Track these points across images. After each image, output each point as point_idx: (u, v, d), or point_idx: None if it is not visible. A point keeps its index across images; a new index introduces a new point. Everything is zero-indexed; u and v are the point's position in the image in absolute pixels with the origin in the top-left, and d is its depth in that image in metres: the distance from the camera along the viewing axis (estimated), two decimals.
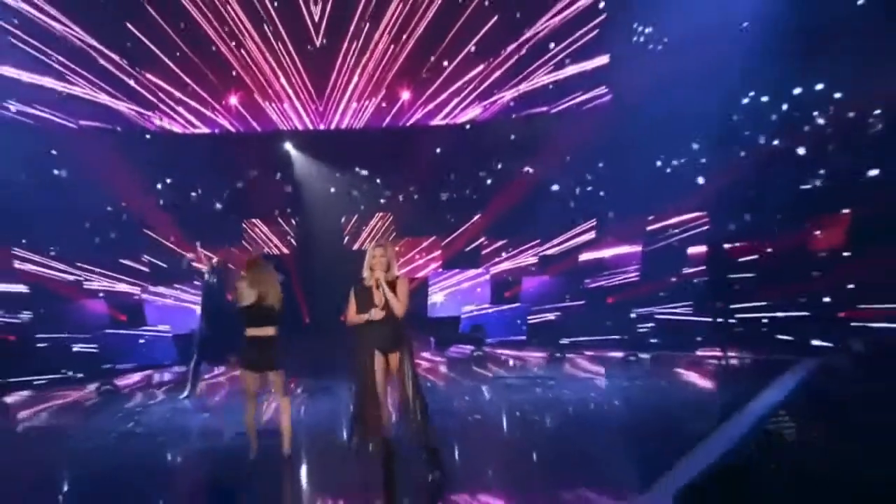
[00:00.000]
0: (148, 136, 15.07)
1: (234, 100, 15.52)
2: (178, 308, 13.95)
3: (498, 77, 15.49)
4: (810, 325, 10.75)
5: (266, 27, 15.21)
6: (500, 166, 15.67)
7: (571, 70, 14.91)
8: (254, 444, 6.16)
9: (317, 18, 15.29)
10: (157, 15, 14.49)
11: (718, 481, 4.70)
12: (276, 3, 15.09)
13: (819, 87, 11.95)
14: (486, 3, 14.90)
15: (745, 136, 12.88)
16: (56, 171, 13.93)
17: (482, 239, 15.79)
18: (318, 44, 15.42)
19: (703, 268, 10.50)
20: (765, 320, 11.01)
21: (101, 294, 14.03)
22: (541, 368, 11.07)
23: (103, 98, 14.53)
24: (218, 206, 15.53)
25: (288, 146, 15.90)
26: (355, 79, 15.67)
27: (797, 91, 12.21)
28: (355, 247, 15.63)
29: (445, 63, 15.42)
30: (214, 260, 10.13)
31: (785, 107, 12.48)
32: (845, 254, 11.26)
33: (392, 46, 15.49)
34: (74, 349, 12.26)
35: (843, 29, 11.21)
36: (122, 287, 14.25)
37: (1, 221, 12.34)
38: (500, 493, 5.45)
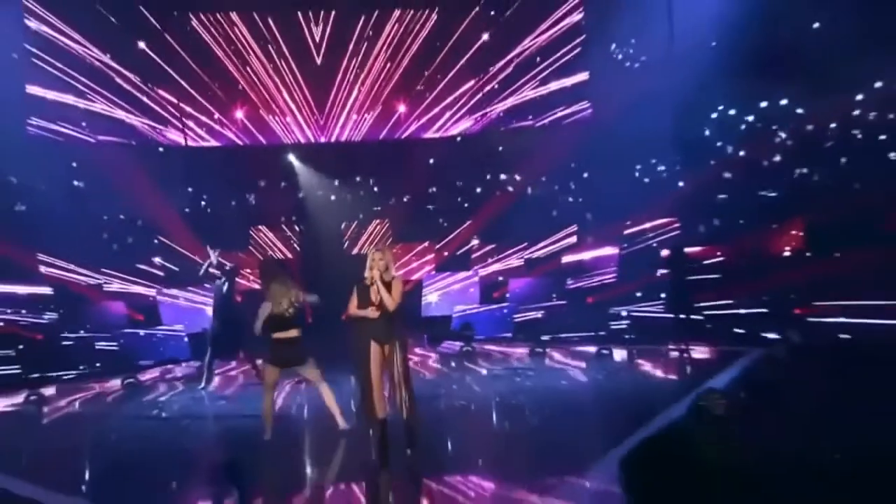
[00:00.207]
0: (161, 149, 15.23)
1: (240, 114, 15.66)
2: (191, 308, 14.19)
3: (487, 92, 15.79)
4: (769, 320, 11.11)
5: (270, 47, 15.54)
6: (488, 176, 15.89)
7: (554, 86, 15.28)
8: (269, 427, 6.86)
9: (318, 39, 15.61)
10: (168, 35, 14.94)
11: (656, 446, 5.54)
12: (279, 24, 15.47)
13: (783, 102, 12.37)
14: (478, 22, 15.38)
15: (713, 148, 13.24)
16: (76, 183, 14.20)
17: (473, 243, 15.97)
18: (318, 62, 15.69)
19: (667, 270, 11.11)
20: (726, 316, 11.48)
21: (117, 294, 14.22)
22: (522, 361, 11.59)
23: (119, 114, 14.82)
24: (226, 213, 15.64)
25: (291, 157, 15.95)
26: (354, 94, 15.91)
27: (763, 105, 12.65)
28: (354, 251, 15.73)
29: (438, 78, 15.71)
30: (227, 266, 10.60)
31: (751, 119, 12.91)
32: (802, 255, 11.88)
33: (388, 64, 15.79)
34: (97, 347, 12.54)
35: (801, 51, 11.68)
36: (138, 289, 14.44)
37: (27, 229, 12.76)
38: (478, 464, 6.16)
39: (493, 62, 15.62)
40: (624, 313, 13.22)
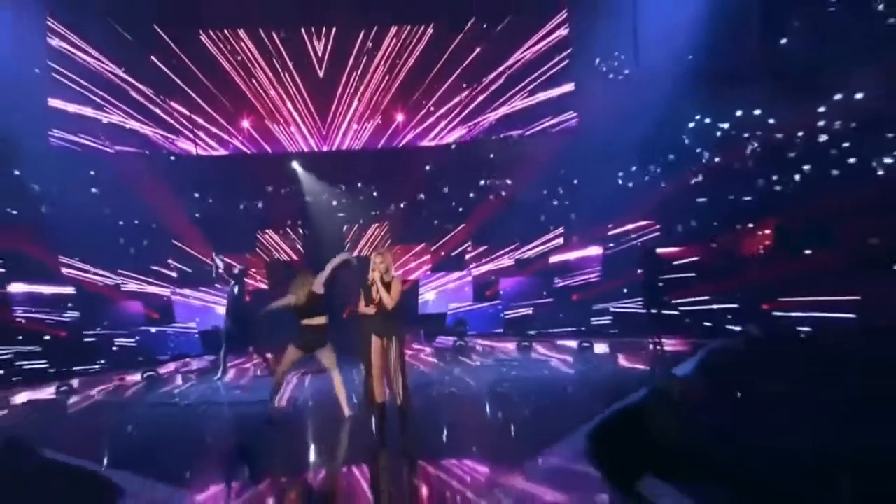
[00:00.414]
0: (172, 158, 15.56)
1: (246, 124, 15.92)
2: (203, 307, 14.59)
3: (479, 103, 16.08)
4: (740, 315, 11.50)
5: (275, 60, 15.86)
6: (481, 182, 16.16)
7: (542, 97, 15.67)
8: (277, 395, 7.58)
9: (320, 53, 15.94)
10: (179, 51, 15.31)
11: (617, 421, 6.25)
12: (283, 40, 15.82)
13: (755, 112, 12.75)
14: (470, 37, 15.70)
15: (689, 155, 13.71)
16: (94, 190, 14.58)
17: (466, 245, 16.20)
18: (320, 74, 15.99)
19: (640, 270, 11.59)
20: (699, 311, 12.02)
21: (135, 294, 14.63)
22: (509, 354, 12.08)
23: (134, 125, 15.19)
24: (234, 218, 15.86)
25: (295, 165, 16.15)
26: (354, 105, 16.19)
27: (738, 113, 13.04)
28: (355, 253, 15.78)
29: (433, 90, 16.01)
30: (236, 269, 11.10)
31: (725, 126, 13.31)
32: (770, 255, 12.22)
33: (386, 76, 16.10)
34: (116, 343, 13.01)
35: (769, 64, 12.42)
36: (153, 289, 14.80)
37: (50, 233, 13.15)
38: (464, 443, 6.68)
39: (485, 74, 15.97)
40: (612, 309, 13.64)
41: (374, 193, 16.55)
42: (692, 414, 6.24)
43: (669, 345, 10.39)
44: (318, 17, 15.70)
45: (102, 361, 12.48)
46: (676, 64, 13.10)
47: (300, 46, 15.94)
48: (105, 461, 6.35)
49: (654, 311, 9.97)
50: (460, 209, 16.29)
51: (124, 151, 15.07)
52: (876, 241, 10.55)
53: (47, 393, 10.16)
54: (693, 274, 12.76)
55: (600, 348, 11.73)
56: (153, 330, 13.97)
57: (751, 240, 12.75)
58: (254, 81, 15.94)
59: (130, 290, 14.62)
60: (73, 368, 11.63)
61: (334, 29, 15.88)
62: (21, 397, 9.94)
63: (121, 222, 14.70)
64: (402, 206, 16.49)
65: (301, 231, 16.48)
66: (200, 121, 15.82)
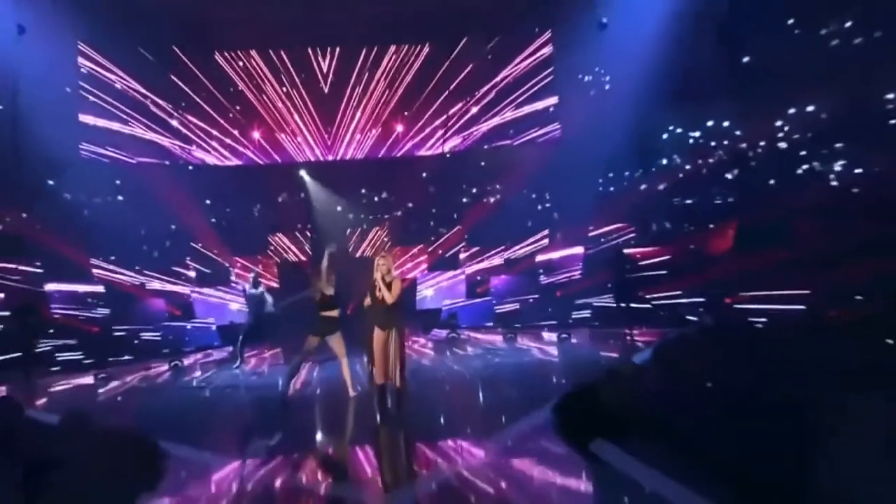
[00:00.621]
0: (190, 168, 16.19)
1: (257, 135, 16.55)
2: (220, 304, 15.27)
3: (472, 115, 16.63)
4: (706, 308, 12.11)
5: (283, 78, 16.51)
6: (474, 188, 16.60)
7: (529, 109, 16.23)
8: (292, 380, 8.42)
9: (325, 70, 16.61)
10: (196, 69, 16.02)
11: (577, 395, 7.14)
12: (291, 59, 16.48)
13: (722, 124, 13.28)
14: (463, 54, 16.26)
15: (662, 163, 14.20)
16: (120, 197, 15.08)
17: (460, 246, 16.69)
18: (326, 90, 16.65)
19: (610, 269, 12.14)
20: (669, 305, 12.59)
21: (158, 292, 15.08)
22: (495, 344, 12.79)
23: (155, 137, 15.81)
24: (247, 222, 16.42)
25: (303, 173, 16.71)
26: (357, 117, 16.76)
27: (706, 125, 13.55)
28: (358, 254, 16.49)
29: (430, 103, 16.57)
30: (253, 274, 11.97)
31: (694, 136, 13.79)
32: (733, 253, 12.60)
33: (386, 91, 16.69)
34: (143, 337, 13.72)
35: (733, 79, 12.93)
36: (175, 288, 15.36)
37: (81, 237, 13.78)
38: (451, 418, 7.47)
39: (477, 89, 16.56)
40: (594, 304, 14.15)
41: (376, 199, 16.98)
42: (639, 390, 7.11)
43: (642, 335, 11.15)
44: (324, 38, 16.22)
45: (132, 353, 13.14)
46: (649, 80, 13.59)
47: (307, 65, 16.50)
48: (150, 431, 7.27)
49: (623, 305, 10.76)
50: (454, 213, 16.72)
51: (146, 162, 15.66)
52: (826, 240, 10.96)
53: (86, 380, 11.03)
54: (665, 271, 13.30)
55: (578, 339, 12.44)
56: (176, 324, 14.63)
57: (716, 239, 13.13)
58: (264, 97, 16.54)
59: (154, 288, 15.18)
60: (108, 359, 12.31)
61: (338, 49, 16.46)
62: (64, 384, 10.80)
63: (144, 227, 15.08)
64: (401, 210, 16.94)
65: (308, 234, 16.92)
66: (216, 133, 16.41)
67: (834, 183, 11.61)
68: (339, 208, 16.98)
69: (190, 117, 16.22)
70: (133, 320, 14.09)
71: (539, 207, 16.17)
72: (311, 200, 16.85)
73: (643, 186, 14.57)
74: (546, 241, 16.03)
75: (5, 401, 6.70)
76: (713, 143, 13.64)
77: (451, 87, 16.53)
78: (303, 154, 16.94)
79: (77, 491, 5.87)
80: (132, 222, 14.88)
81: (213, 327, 14.88)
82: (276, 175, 16.72)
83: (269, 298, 11.45)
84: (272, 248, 16.95)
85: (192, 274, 15.82)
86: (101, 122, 15.11)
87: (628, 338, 10.70)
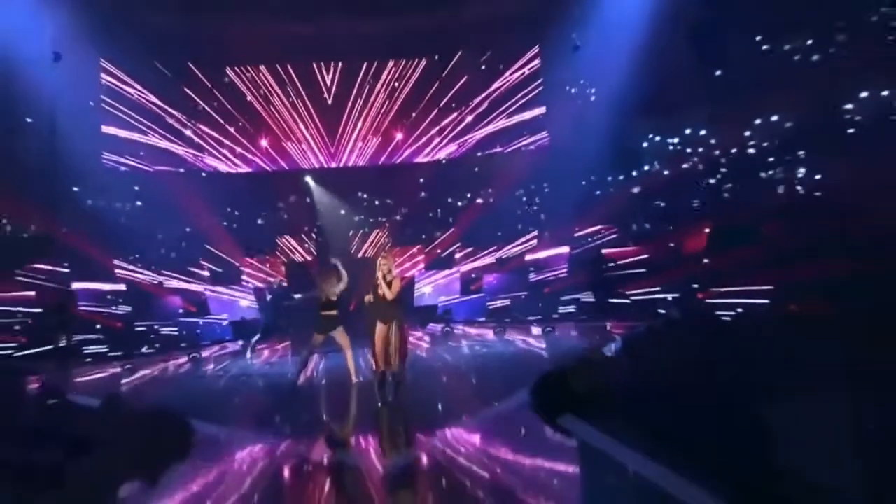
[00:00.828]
0: (203, 175, 16.57)
1: (266, 144, 16.84)
2: (232, 301, 15.77)
3: (466, 124, 17.02)
4: (681, 303, 12.76)
5: (290, 90, 16.87)
6: (468, 192, 16.97)
7: (519, 119, 16.70)
8: (302, 370, 9.16)
9: (329, 83, 16.99)
10: (207, 82, 16.45)
11: (550, 379, 7.90)
12: (297, 73, 16.83)
13: (698, 132, 13.79)
14: (458, 67, 16.66)
15: (642, 168, 14.78)
16: (139, 203, 15.54)
17: (455, 246, 17.01)
18: (329, 101, 17.01)
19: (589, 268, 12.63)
20: (648, 301, 13.33)
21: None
22: (486, 337, 13.35)
23: (169, 146, 16.25)
24: (257, 225, 16.75)
25: (308, 179, 16.96)
26: (358, 127, 17.08)
27: (683, 133, 14.07)
28: (360, 255, 16.74)
29: (427, 113, 16.92)
30: (276, 283, 12.70)
31: (672, 143, 14.32)
32: (706, 252, 13.20)
33: (386, 102, 17.05)
34: (162, 332, 14.29)
35: (706, 91, 13.42)
36: (190, 286, 15.80)
37: (103, 239, 14.22)
38: (443, 401, 8.11)
39: (471, 99, 16.95)
40: (582, 299, 14.74)
41: (377, 203, 17.26)
42: (606, 372, 7.83)
43: (619, 328, 11.82)
44: (327, 53, 16.58)
45: (155, 346, 13.71)
46: (628, 93, 13.96)
47: (312, 78, 16.89)
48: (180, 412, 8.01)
49: (603, 301, 11.42)
50: (450, 216, 17.09)
51: (163, 170, 16.11)
52: (789, 240, 11.44)
53: (114, 370, 11.73)
54: (644, 269, 14.03)
55: (561, 332, 13.07)
56: (192, 320, 15.17)
57: (691, 239, 13.69)
58: (272, 108, 16.91)
59: (171, 287, 15.57)
60: (133, 352, 12.96)
61: (341, 63, 16.86)
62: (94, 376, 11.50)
63: (161, 230, 15.47)
64: (400, 213, 17.19)
65: (314, 236, 17.21)
66: (227, 142, 16.80)
67: (798, 187, 12.07)
68: (342, 212, 17.22)
69: (203, 127, 16.61)
70: (152, 316, 14.62)
71: (531, 209, 16.55)
72: (316, 204, 17.07)
73: (625, 190, 15.07)
74: (535, 241, 16.44)
75: (48, 386, 7.50)
76: (688, 150, 14.14)
77: (447, 98, 16.88)
78: (308, 161, 17.21)
79: (117, 465, 6.65)
80: (150, 225, 15.30)
81: (226, 322, 15.44)
82: (284, 181, 17.03)
83: (294, 296, 12.00)
84: (280, 249, 17.33)
85: (206, 273, 16.25)
86: (121, 133, 15.59)
87: (609, 331, 11.33)
